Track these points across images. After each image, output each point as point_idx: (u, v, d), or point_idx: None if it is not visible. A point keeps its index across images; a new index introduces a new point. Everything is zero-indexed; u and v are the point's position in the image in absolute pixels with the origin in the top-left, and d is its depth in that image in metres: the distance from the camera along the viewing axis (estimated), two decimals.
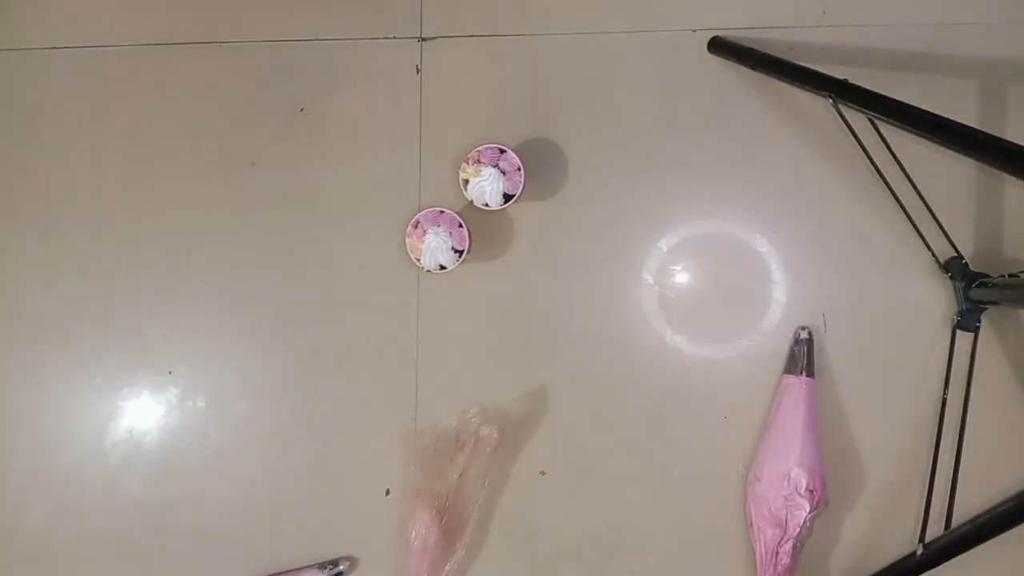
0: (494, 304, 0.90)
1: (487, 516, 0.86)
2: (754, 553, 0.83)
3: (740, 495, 0.86)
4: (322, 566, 0.86)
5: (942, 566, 0.77)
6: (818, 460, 0.79)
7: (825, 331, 0.87)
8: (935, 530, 0.81)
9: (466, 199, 0.86)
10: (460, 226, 0.85)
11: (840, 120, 0.78)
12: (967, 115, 0.87)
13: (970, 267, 0.83)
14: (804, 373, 0.81)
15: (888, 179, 0.82)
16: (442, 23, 0.94)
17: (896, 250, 0.87)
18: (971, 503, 0.82)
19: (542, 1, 0.94)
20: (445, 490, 0.83)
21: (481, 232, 0.88)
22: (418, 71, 0.94)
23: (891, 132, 0.75)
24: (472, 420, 0.85)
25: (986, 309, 0.82)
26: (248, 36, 0.95)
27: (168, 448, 0.91)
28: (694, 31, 0.91)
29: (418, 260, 0.85)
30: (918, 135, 0.66)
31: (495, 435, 0.83)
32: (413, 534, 0.82)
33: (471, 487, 0.83)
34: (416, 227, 0.86)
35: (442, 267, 0.85)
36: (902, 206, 0.82)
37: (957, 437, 0.81)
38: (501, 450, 0.84)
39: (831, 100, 0.74)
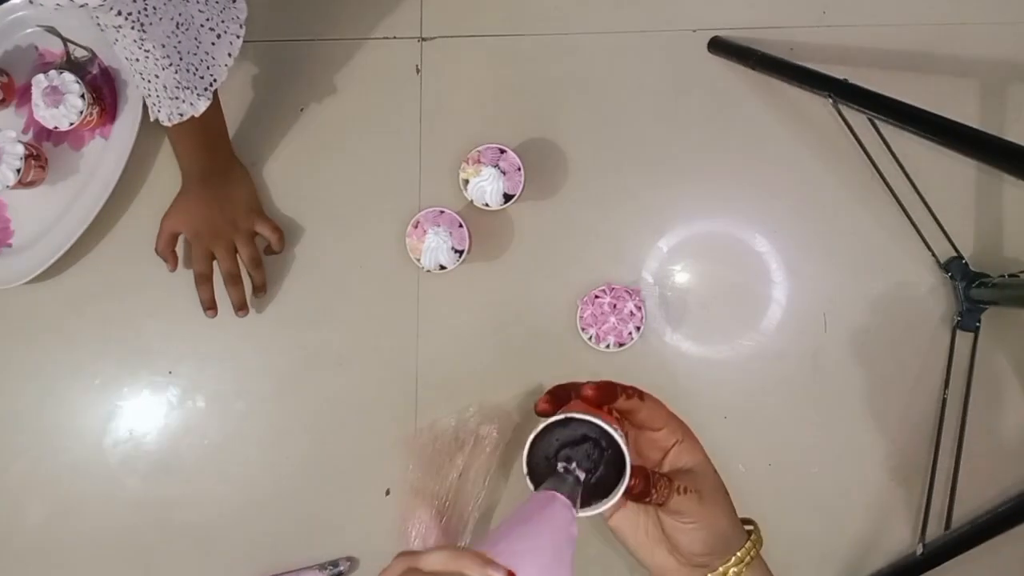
0: (494, 304, 0.90)
1: (487, 515, 0.86)
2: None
3: (740, 495, 0.86)
4: (322, 566, 0.86)
5: (942, 566, 0.78)
6: None
7: (825, 331, 0.87)
8: (935, 530, 0.81)
9: (466, 199, 0.86)
10: (460, 226, 0.85)
11: (840, 120, 0.78)
12: (967, 115, 0.87)
13: (970, 267, 0.83)
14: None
15: (888, 179, 0.82)
16: (442, 23, 0.94)
17: (896, 250, 0.87)
18: (971, 503, 0.82)
19: (542, 1, 0.94)
20: (445, 489, 0.83)
21: (481, 232, 0.88)
22: (418, 71, 0.94)
23: (891, 132, 0.75)
24: (471, 419, 0.85)
25: (986, 309, 0.83)
26: (248, 36, 0.95)
27: (168, 448, 0.91)
28: (694, 31, 0.91)
29: (418, 260, 0.85)
30: (918, 135, 0.66)
31: (495, 434, 0.83)
32: (413, 534, 0.82)
33: (471, 486, 0.83)
34: (416, 227, 0.86)
35: (442, 267, 0.85)
36: (902, 206, 0.82)
37: (957, 437, 0.81)
38: (501, 449, 0.84)
39: (831, 100, 0.74)
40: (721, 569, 0.47)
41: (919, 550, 0.79)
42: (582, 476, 0.41)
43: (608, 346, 0.85)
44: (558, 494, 0.38)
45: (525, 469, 0.42)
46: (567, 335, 0.88)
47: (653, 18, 0.92)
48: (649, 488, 0.42)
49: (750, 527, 0.52)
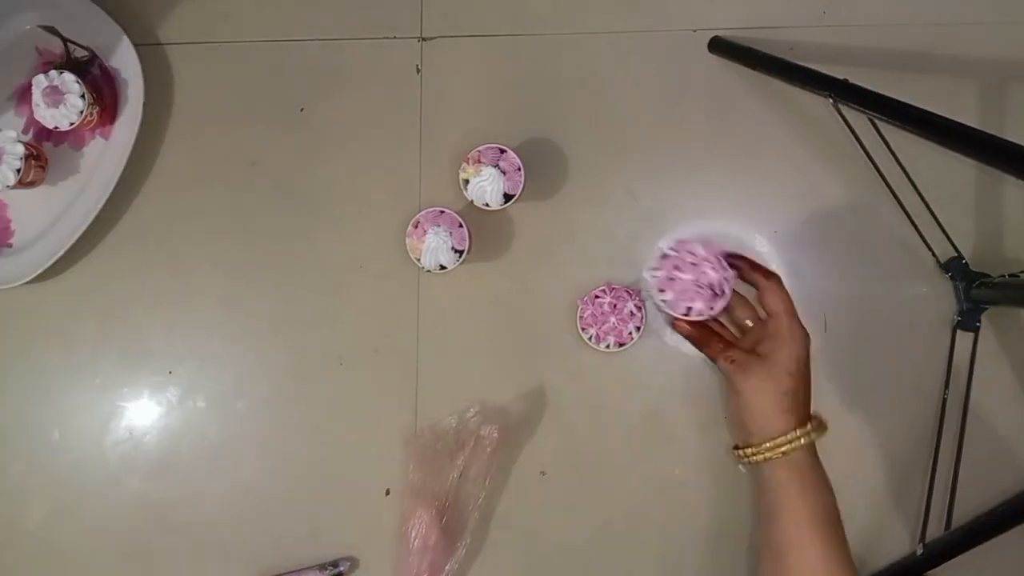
0: (494, 304, 0.90)
1: (487, 516, 0.86)
2: (754, 554, 0.83)
3: (740, 495, 0.86)
4: (322, 567, 0.86)
5: (942, 566, 0.78)
6: None
7: (825, 331, 0.87)
8: (935, 530, 0.81)
9: (466, 199, 0.86)
10: (460, 226, 0.85)
11: (840, 120, 0.78)
12: (967, 115, 0.87)
13: (970, 267, 0.83)
14: None
15: (888, 179, 0.82)
16: (442, 23, 0.94)
17: (896, 250, 0.87)
18: (971, 503, 0.82)
19: (542, 1, 0.94)
20: (445, 490, 0.83)
21: (481, 232, 0.88)
22: (418, 71, 0.94)
23: (891, 132, 0.75)
24: (472, 420, 0.85)
25: (986, 309, 0.83)
26: (248, 36, 0.95)
27: (168, 448, 0.91)
28: (694, 31, 0.91)
29: (418, 260, 0.85)
30: (918, 135, 0.66)
31: (495, 434, 0.83)
32: (413, 534, 0.82)
33: (471, 487, 0.83)
34: (416, 227, 0.86)
35: (442, 267, 0.85)
36: (902, 206, 0.82)
37: (957, 437, 0.81)
38: (501, 450, 0.84)
39: (831, 100, 0.74)
40: (751, 449, 0.53)
41: (919, 550, 0.79)
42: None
43: (608, 346, 0.85)
44: None
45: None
46: (567, 335, 0.88)
47: (653, 18, 0.92)
48: (708, 338, 0.62)
49: (816, 420, 0.60)
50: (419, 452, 0.85)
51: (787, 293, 0.61)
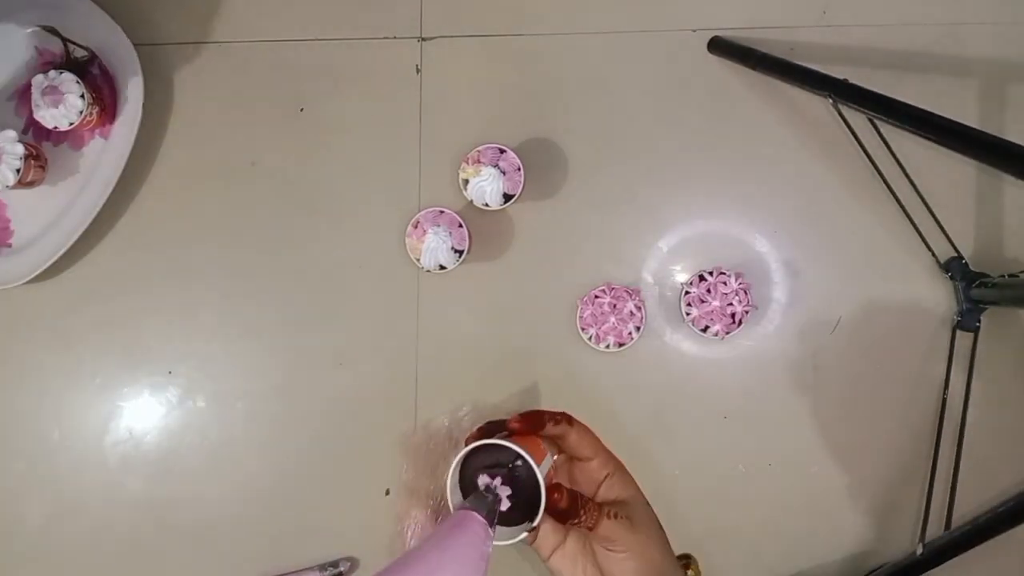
0: (494, 304, 0.90)
1: None
2: (752, 554, 0.83)
3: (740, 495, 0.86)
4: (322, 567, 0.86)
5: (942, 566, 0.78)
6: None
7: (825, 331, 0.87)
8: (935, 530, 0.81)
9: (466, 199, 0.86)
10: (460, 226, 0.85)
11: (840, 120, 0.78)
12: (967, 115, 0.87)
13: (970, 267, 0.83)
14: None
15: (888, 179, 0.82)
16: (442, 23, 0.94)
17: (896, 250, 0.87)
18: (971, 503, 0.82)
19: (542, 1, 0.94)
20: (439, 489, 0.83)
21: (481, 232, 0.88)
22: (418, 71, 0.93)
23: (891, 132, 0.75)
24: (465, 419, 0.85)
25: (986, 309, 0.83)
26: (248, 36, 0.95)
27: (168, 448, 0.91)
28: (694, 31, 0.91)
29: (418, 260, 0.85)
30: (918, 135, 0.66)
31: None
32: (408, 534, 0.82)
33: None
34: (416, 227, 0.86)
35: (442, 267, 0.85)
36: (902, 206, 0.82)
37: (957, 437, 0.81)
38: None
39: (831, 100, 0.74)
40: None
41: (919, 550, 0.79)
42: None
43: (608, 346, 0.85)
44: (474, 512, 0.38)
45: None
46: (567, 335, 0.88)
47: (653, 18, 0.92)
48: (577, 508, 0.41)
49: (685, 560, 0.51)
50: (412, 452, 0.85)
51: (582, 425, 0.47)
